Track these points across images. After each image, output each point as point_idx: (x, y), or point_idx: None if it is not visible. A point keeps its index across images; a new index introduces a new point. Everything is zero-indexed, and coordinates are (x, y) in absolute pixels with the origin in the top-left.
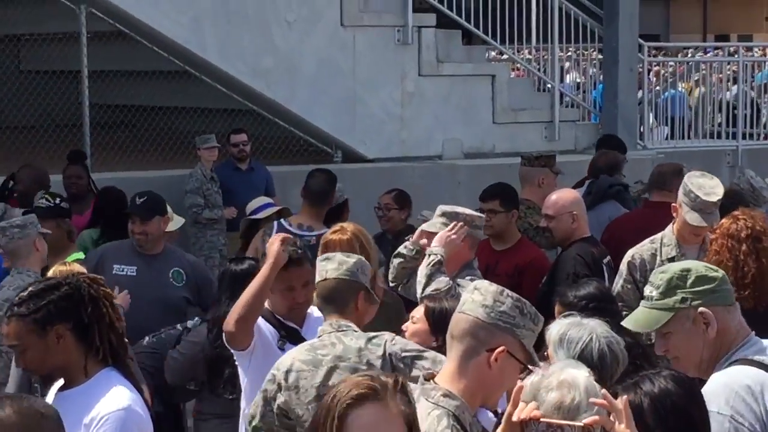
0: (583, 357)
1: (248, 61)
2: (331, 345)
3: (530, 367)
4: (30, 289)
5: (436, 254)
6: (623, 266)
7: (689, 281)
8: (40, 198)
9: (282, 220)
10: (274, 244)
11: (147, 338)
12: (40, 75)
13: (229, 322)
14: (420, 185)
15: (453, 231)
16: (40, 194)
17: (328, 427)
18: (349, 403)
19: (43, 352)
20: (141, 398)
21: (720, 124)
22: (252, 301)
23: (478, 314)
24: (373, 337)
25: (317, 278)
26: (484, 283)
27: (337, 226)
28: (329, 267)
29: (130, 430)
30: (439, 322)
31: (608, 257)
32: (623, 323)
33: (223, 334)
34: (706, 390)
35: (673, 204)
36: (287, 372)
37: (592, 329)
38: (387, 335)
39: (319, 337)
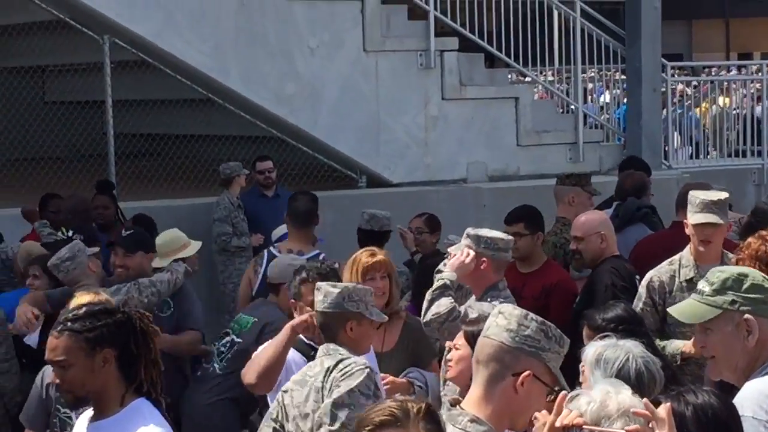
0: (621, 377)
1: (271, 88)
2: (315, 366)
3: (556, 389)
4: (85, 308)
5: (443, 279)
6: (642, 289)
7: (744, 286)
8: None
9: (271, 248)
10: (300, 317)
11: None
12: (64, 106)
13: (250, 375)
14: (445, 209)
15: (464, 256)
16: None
17: None
18: (371, 428)
19: (86, 372)
20: (171, 430)
21: (745, 143)
22: (273, 360)
23: (503, 339)
24: (343, 361)
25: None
26: (508, 307)
27: (367, 250)
28: (318, 299)
29: None
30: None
31: (638, 275)
32: (669, 310)
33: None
34: (741, 395)
35: (684, 221)
36: (284, 392)
37: (628, 350)
38: (356, 363)
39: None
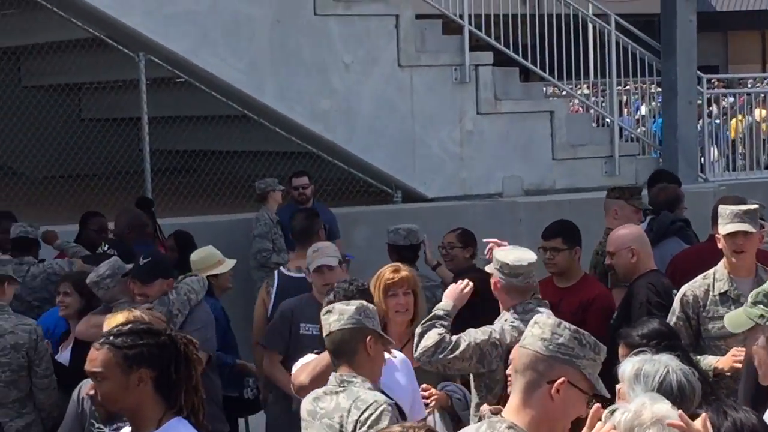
0: (663, 390)
1: (306, 104)
2: (330, 399)
3: (595, 395)
4: (131, 325)
5: (436, 309)
6: (676, 303)
7: None
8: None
9: (281, 268)
10: None
11: None
12: (101, 123)
13: (303, 378)
14: (481, 223)
15: (461, 284)
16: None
17: None
18: None
19: (121, 389)
20: None
21: None
22: (327, 366)
23: (537, 348)
24: (361, 401)
25: (324, 333)
26: (542, 317)
27: (392, 266)
28: (331, 319)
29: None
30: None
31: (675, 290)
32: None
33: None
34: None
35: (716, 236)
36: (302, 419)
37: (666, 363)
38: (376, 403)
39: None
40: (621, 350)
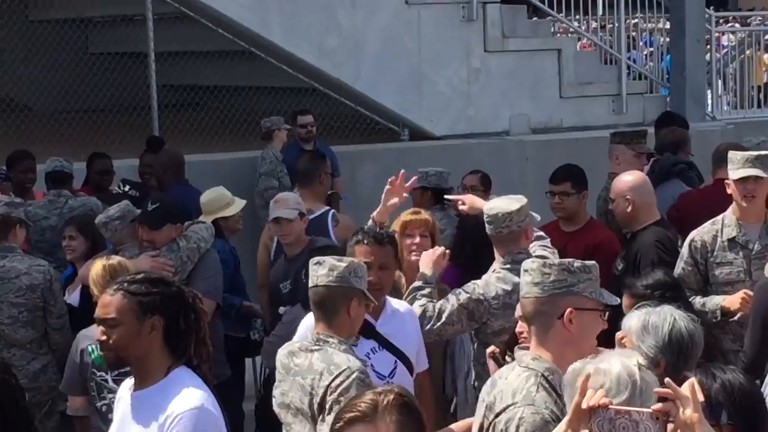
0: (673, 338)
1: (313, 42)
2: (305, 357)
3: (605, 307)
4: (144, 274)
5: (416, 280)
6: (685, 249)
7: None
8: (116, 185)
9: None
10: None
11: None
12: (108, 57)
13: None
14: (487, 162)
15: (433, 252)
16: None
17: None
18: (341, 425)
19: (133, 335)
20: (213, 397)
21: None
22: None
23: (535, 293)
24: (335, 366)
25: (310, 282)
26: (528, 263)
27: (410, 210)
28: (320, 272)
29: (205, 429)
30: None
31: (680, 240)
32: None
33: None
34: None
35: (726, 181)
36: (278, 369)
37: (671, 313)
38: (349, 370)
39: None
40: (625, 300)
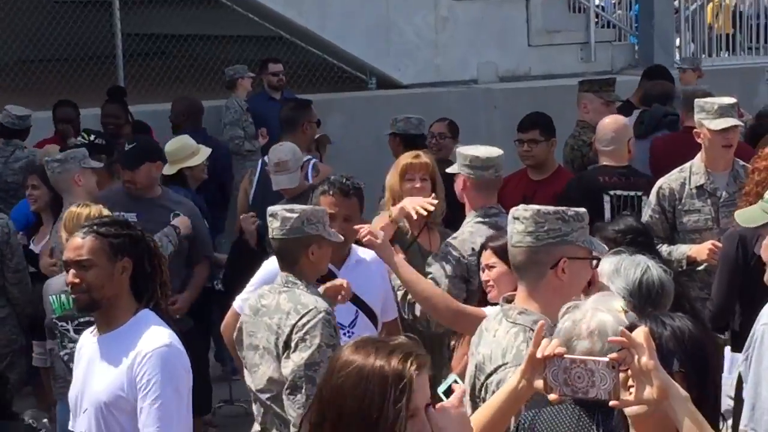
0: (643, 283)
1: None
2: (272, 298)
3: (596, 255)
4: (110, 217)
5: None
6: (652, 196)
7: None
8: (78, 137)
9: (265, 158)
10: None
11: None
12: (73, 5)
13: None
14: (456, 110)
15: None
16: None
17: (396, 392)
18: (417, 371)
19: (106, 276)
20: (177, 337)
21: (758, 40)
22: None
23: (528, 242)
24: (302, 305)
25: (268, 234)
26: (520, 211)
27: (412, 153)
28: (274, 225)
29: (174, 366)
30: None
31: (622, 191)
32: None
33: None
34: None
35: (695, 130)
36: (245, 313)
37: (645, 261)
38: (315, 310)
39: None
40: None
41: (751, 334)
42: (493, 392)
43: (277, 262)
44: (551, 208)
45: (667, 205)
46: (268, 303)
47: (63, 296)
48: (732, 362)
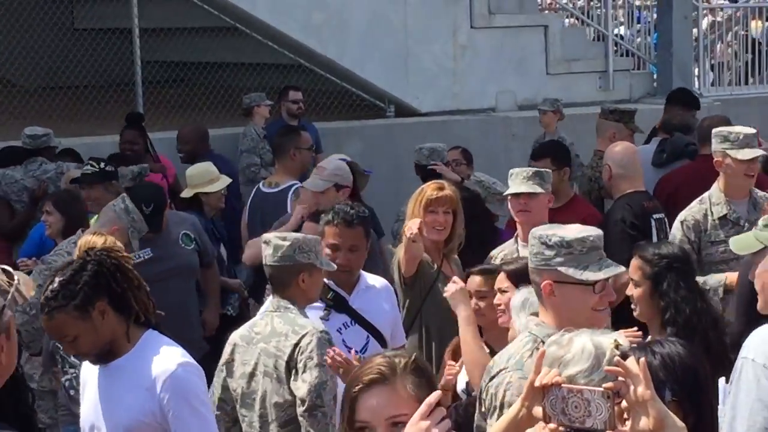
0: None
1: (299, 18)
2: (265, 325)
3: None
4: (58, 279)
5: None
6: (677, 230)
7: None
8: (86, 164)
9: (260, 184)
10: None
11: None
12: (94, 33)
13: None
14: (474, 138)
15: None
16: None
17: (345, 409)
18: (360, 387)
19: (93, 333)
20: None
21: None
22: None
23: (530, 263)
24: (299, 327)
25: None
26: (533, 231)
27: (436, 183)
28: (266, 252)
29: (197, 383)
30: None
31: (661, 214)
32: (730, 240)
33: None
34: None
35: (716, 160)
36: (232, 345)
37: None
38: (314, 329)
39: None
40: (633, 262)
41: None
42: (492, 395)
43: (270, 286)
44: (539, 233)
45: (693, 236)
46: (262, 330)
47: None
48: (725, 393)
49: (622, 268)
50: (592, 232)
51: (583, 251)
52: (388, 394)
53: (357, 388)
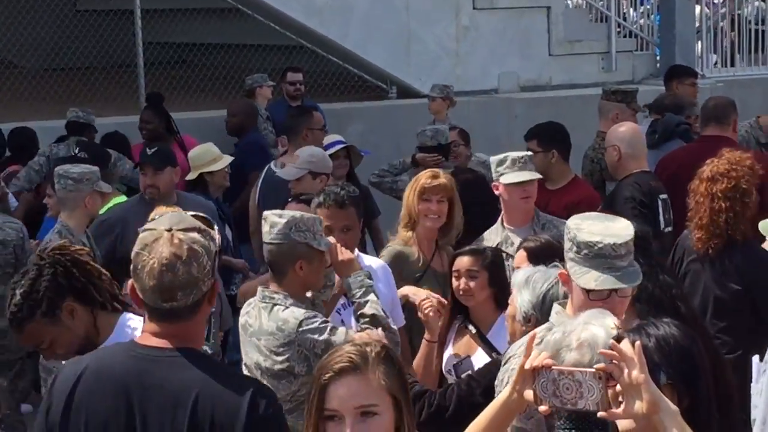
0: (547, 298)
1: None
2: (255, 317)
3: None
4: (18, 291)
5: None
6: None
7: None
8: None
9: (272, 164)
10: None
11: None
12: (96, 14)
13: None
14: (476, 119)
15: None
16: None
17: (313, 397)
18: (330, 375)
19: (67, 333)
20: None
21: None
22: None
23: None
24: (282, 322)
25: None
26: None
27: (431, 171)
28: (264, 230)
29: None
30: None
31: (665, 195)
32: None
33: None
34: None
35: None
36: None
37: (557, 276)
38: (294, 321)
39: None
40: None
41: None
42: (501, 380)
43: (269, 271)
44: (570, 222)
45: None
46: (253, 322)
47: None
48: (759, 372)
49: (623, 285)
50: (611, 239)
51: (589, 255)
52: (358, 383)
53: (327, 376)
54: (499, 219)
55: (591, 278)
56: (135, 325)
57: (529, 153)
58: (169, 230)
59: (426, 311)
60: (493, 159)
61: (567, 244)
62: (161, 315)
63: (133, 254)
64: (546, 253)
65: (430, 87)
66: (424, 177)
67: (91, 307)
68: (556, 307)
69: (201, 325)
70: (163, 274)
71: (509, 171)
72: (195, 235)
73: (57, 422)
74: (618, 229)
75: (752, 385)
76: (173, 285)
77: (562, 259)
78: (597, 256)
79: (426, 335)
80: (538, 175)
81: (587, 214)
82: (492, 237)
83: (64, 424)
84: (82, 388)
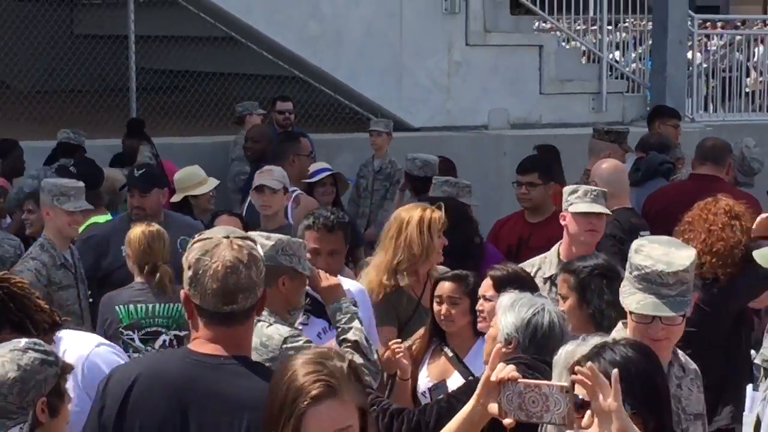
0: (531, 322)
1: (294, 29)
2: None
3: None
4: None
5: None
6: None
7: None
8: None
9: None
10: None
11: None
12: (92, 39)
13: None
14: (465, 155)
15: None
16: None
17: (287, 422)
18: (307, 404)
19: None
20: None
21: None
22: None
23: None
24: (266, 338)
25: None
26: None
27: (426, 207)
28: None
29: (115, 360)
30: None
31: (647, 231)
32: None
33: None
34: None
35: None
36: None
37: (544, 304)
38: (279, 338)
39: None
40: (561, 276)
41: None
42: None
43: None
44: (637, 242)
45: None
46: None
47: (131, 306)
48: (753, 400)
49: (663, 313)
50: (661, 267)
51: (638, 277)
52: (337, 409)
53: (305, 403)
54: (554, 249)
55: (634, 300)
56: (61, 335)
57: (603, 189)
58: (227, 237)
59: (398, 356)
60: (566, 189)
61: (628, 263)
62: (219, 319)
63: (192, 261)
64: (512, 282)
65: (378, 122)
66: (430, 212)
67: (29, 336)
68: (619, 325)
69: (251, 331)
70: (228, 276)
71: (579, 201)
72: (250, 242)
73: (111, 424)
74: (676, 258)
75: (744, 414)
76: (236, 287)
77: (527, 289)
78: (644, 279)
79: (399, 374)
80: (608, 211)
81: (657, 237)
82: (545, 268)
83: (118, 426)
84: (137, 392)
